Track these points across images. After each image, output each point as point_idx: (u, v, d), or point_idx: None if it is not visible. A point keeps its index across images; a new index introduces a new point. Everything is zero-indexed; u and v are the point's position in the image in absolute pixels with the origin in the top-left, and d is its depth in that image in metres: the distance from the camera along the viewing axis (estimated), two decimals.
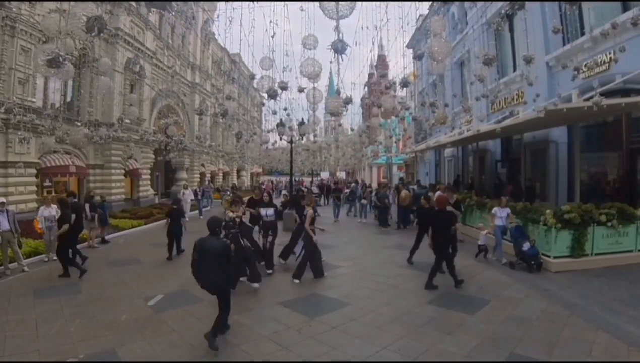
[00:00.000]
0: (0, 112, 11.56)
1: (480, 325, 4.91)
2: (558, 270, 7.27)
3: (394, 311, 5.47)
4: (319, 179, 39.41)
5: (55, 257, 7.99)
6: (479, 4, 13.96)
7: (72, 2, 7.06)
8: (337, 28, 8.19)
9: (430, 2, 20.59)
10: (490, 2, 12.82)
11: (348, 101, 12.88)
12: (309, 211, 7.34)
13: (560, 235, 7.46)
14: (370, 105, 28.36)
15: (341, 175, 55.45)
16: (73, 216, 7.78)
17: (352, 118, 42.64)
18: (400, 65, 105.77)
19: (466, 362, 4.02)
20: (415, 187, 15.73)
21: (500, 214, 8.13)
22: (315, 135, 24.49)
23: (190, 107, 25.72)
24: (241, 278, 6.94)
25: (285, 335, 4.71)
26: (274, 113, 19.57)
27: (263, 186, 27.45)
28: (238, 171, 42.46)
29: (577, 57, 9.30)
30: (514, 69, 14.33)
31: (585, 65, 9.91)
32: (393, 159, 32.77)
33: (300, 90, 15.32)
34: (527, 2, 8.65)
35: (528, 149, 12.67)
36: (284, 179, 43.11)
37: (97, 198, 11.32)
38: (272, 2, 12.96)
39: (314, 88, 12.98)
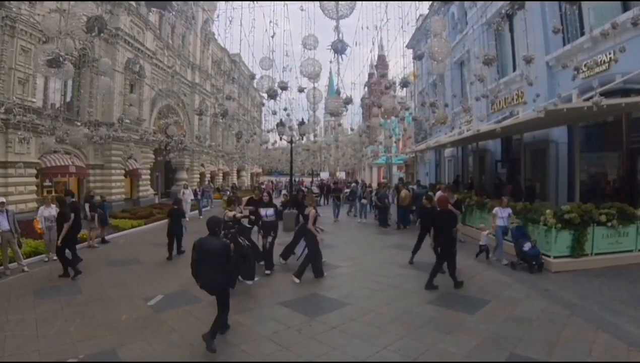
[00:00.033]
0: (0, 112, 11.56)
1: (480, 325, 4.91)
2: (558, 270, 7.27)
3: (394, 311, 5.47)
4: (319, 178, 39.41)
5: (55, 257, 7.99)
6: (479, 4, 13.96)
7: (72, 2, 7.06)
8: (337, 28, 8.19)
9: (430, 2, 20.59)
10: (490, 2, 12.82)
11: (348, 101, 12.88)
12: (312, 211, 7.35)
13: (560, 235, 7.46)
14: (370, 105, 28.37)
15: (341, 175, 55.43)
16: (72, 215, 7.78)
17: (352, 118, 42.67)
18: (400, 65, 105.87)
19: (466, 362, 4.02)
20: (414, 187, 15.74)
21: (501, 214, 8.12)
22: (315, 135, 24.50)
23: (190, 107, 25.72)
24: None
25: (285, 335, 4.71)
26: (274, 113, 19.59)
27: (263, 186, 27.50)
28: (238, 171, 42.47)
29: (577, 57, 9.30)
30: (514, 69, 14.33)
31: (585, 65, 9.91)
32: (393, 159, 32.78)
33: (300, 90, 15.33)
34: (527, 2, 8.65)
35: (528, 149, 12.67)
36: (284, 179, 43.09)
37: (97, 198, 11.32)
38: (272, 2, 12.97)
39: (314, 88, 13.00)
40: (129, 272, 7.84)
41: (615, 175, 10.83)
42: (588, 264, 7.42)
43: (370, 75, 43.02)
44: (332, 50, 8.44)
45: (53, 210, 8.42)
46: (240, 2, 21.36)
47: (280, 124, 16.25)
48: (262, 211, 7.82)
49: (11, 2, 12.20)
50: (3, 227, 7.44)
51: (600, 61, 9.77)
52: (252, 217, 7.54)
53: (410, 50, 24.40)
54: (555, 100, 9.46)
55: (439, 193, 10.14)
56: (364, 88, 51.23)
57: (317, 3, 7.54)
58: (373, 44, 24.24)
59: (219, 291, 4.43)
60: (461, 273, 6.81)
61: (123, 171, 18.77)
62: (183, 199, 12.67)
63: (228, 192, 19.97)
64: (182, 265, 7.83)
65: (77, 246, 8.34)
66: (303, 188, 19.55)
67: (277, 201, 13.75)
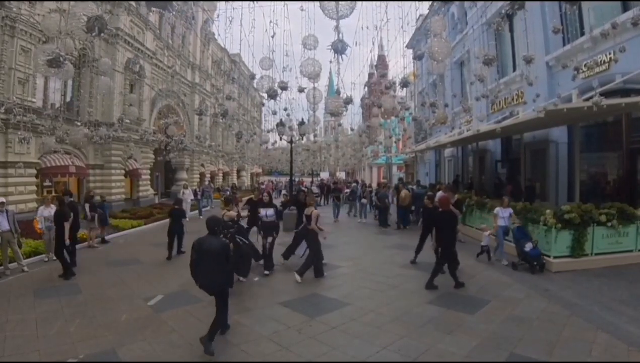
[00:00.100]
0: (0, 112, 11.56)
1: (480, 325, 4.91)
2: (558, 270, 7.27)
3: (394, 311, 5.47)
4: (319, 178, 39.40)
5: (55, 257, 7.98)
6: (479, 4, 13.96)
7: (72, 2, 7.05)
8: (337, 28, 8.19)
9: (430, 2, 20.59)
10: (490, 2, 12.82)
11: (348, 101, 12.87)
12: (314, 210, 7.35)
13: (560, 235, 7.46)
14: (370, 105, 28.35)
15: (341, 175, 55.42)
16: (71, 215, 7.79)
17: (352, 118, 42.64)
18: (400, 65, 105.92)
19: (466, 362, 4.02)
20: (414, 187, 15.74)
21: (503, 214, 8.11)
22: (315, 135, 24.48)
23: (190, 107, 25.71)
24: (240, 278, 6.96)
25: (285, 335, 4.71)
26: (274, 113, 19.57)
27: (263, 186, 27.51)
28: (238, 171, 42.47)
29: (577, 57, 9.29)
30: (514, 69, 14.33)
31: (585, 65, 9.91)
32: (393, 159, 32.77)
33: (300, 90, 15.32)
34: (527, 2, 8.65)
35: (528, 149, 12.67)
36: (284, 179, 43.08)
37: (97, 198, 11.32)
38: (272, 2, 12.97)
39: (314, 88, 12.98)
40: (129, 272, 7.84)
41: (615, 175, 10.82)
42: (588, 264, 7.42)
43: (370, 75, 42.98)
44: (332, 50, 8.44)
45: (53, 210, 8.42)
46: (240, 2, 21.40)
47: (280, 124, 16.23)
48: (262, 211, 7.82)
49: (11, 2, 12.20)
50: (3, 227, 7.44)
51: (600, 61, 9.77)
52: (242, 215, 7.55)
53: (410, 50, 24.41)
54: (555, 100, 9.46)
55: (439, 193, 10.13)
56: (364, 88, 51.22)
57: (317, 3, 7.54)
58: (373, 44, 24.31)
59: (218, 291, 4.41)
60: (461, 273, 6.81)
61: (123, 171, 18.76)
62: (183, 199, 12.68)
63: (228, 192, 19.99)
64: (182, 265, 7.82)
65: (77, 246, 8.36)
66: (303, 188, 19.54)
67: (277, 201, 13.75)
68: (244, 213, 7.69)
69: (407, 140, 29.45)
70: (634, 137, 9.90)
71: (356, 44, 18.30)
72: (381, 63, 35.24)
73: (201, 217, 16.17)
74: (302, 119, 17.06)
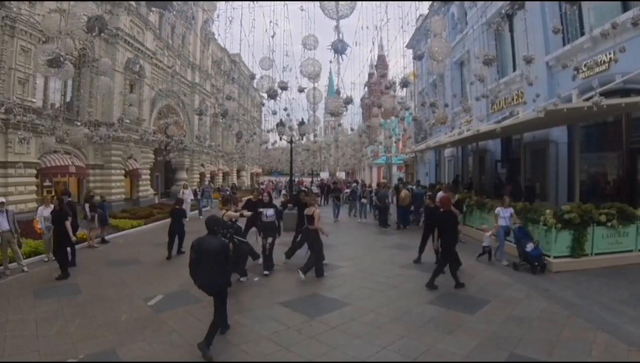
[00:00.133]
0: (0, 112, 11.56)
1: (480, 325, 4.91)
2: (558, 270, 7.27)
3: (394, 311, 5.47)
4: (319, 178, 39.40)
5: (54, 257, 7.98)
6: (479, 4, 13.96)
7: (72, 2, 7.06)
8: (337, 28, 8.19)
9: (430, 2, 20.59)
10: (490, 2, 12.82)
11: (348, 101, 12.87)
12: (316, 210, 7.35)
13: (560, 235, 7.46)
14: (370, 105, 28.33)
15: (341, 175, 55.42)
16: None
17: (352, 118, 42.62)
18: (400, 65, 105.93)
19: (466, 362, 4.02)
20: (413, 187, 15.74)
21: (503, 214, 8.10)
22: (315, 135, 24.48)
23: (190, 107, 25.71)
24: (241, 278, 6.97)
25: (285, 335, 4.71)
26: (274, 113, 19.56)
27: (263, 186, 27.50)
28: (238, 171, 42.46)
29: (577, 57, 9.29)
30: (514, 69, 14.33)
31: (585, 65, 9.91)
32: (393, 159, 32.78)
33: (300, 90, 15.32)
34: (527, 2, 8.65)
35: (528, 149, 12.67)
36: (284, 179, 43.09)
37: (97, 198, 11.31)
38: (272, 2, 12.97)
39: (314, 88, 12.98)
40: (129, 272, 7.84)
41: (615, 175, 10.83)
42: (588, 264, 7.42)
43: (370, 75, 42.99)
44: (332, 50, 8.43)
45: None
46: (240, 2, 21.40)
47: (280, 124, 16.24)
48: (262, 211, 7.80)
49: (11, 2, 12.20)
50: (3, 227, 7.44)
51: (600, 61, 9.77)
52: (246, 214, 7.55)
53: (410, 50, 24.41)
54: (555, 100, 9.46)
55: (440, 193, 10.13)
56: (364, 88, 51.23)
57: (317, 3, 7.54)
58: (373, 44, 24.30)
59: (217, 291, 4.37)
60: (461, 273, 6.81)
61: (123, 171, 18.76)
62: (183, 199, 12.67)
63: (228, 192, 20.01)
64: (182, 265, 7.79)
65: (77, 246, 8.36)
66: (303, 188, 19.55)
67: (277, 201, 13.75)
68: (246, 213, 7.68)
69: (407, 140, 29.45)
70: (634, 137, 9.90)
71: (356, 44, 18.30)
72: (381, 63, 35.24)
73: (201, 217, 16.16)
74: (302, 119, 17.08)
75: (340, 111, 11.00)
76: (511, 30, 14.47)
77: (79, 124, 13.45)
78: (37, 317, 5.26)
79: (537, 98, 10.75)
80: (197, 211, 17.61)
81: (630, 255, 7.72)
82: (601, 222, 7.56)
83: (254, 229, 8.46)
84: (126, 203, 18.64)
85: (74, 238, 7.57)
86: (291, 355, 4.21)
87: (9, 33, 12.48)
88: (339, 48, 8.36)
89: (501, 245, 8.17)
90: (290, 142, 17.76)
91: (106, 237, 11.08)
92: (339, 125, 31.24)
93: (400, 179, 27.16)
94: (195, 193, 18.59)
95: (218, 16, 25.80)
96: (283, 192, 24.19)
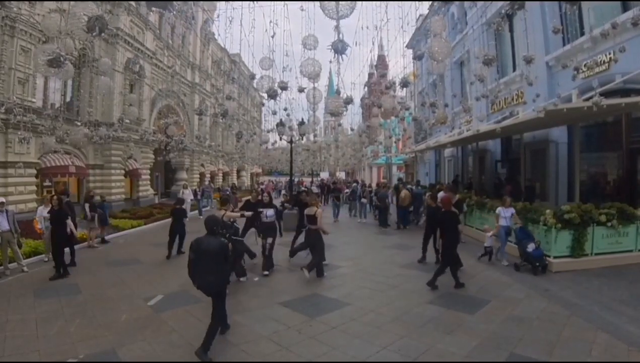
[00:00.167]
0: (0, 112, 11.56)
1: (480, 325, 4.91)
2: (558, 270, 7.27)
3: (394, 311, 5.47)
4: (319, 178, 39.39)
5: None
6: (479, 4, 13.96)
7: (72, 2, 7.06)
8: (337, 28, 8.19)
9: (430, 2, 20.59)
10: (490, 2, 12.82)
11: (348, 101, 12.87)
12: (318, 210, 7.35)
13: (560, 235, 7.46)
14: (370, 105, 28.34)
15: (341, 175, 55.42)
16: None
17: (352, 118, 42.63)
18: (400, 65, 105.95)
19: (466, 362, 4.02)
20: (413, 187, 15.73)
21: (504, 214, 8.07)
22: (315, 135, 24.48)
23: (190, 107, 25.70)
24: (241, 278, 6.97)
25: (285, 335, 4.71)
26: (274, 113, 19.56)
27: (263, 186, 27.51)
28: (238, 171, 42.45)
29: (577, 57, 9.30)
30: (514, 69, 14.33)
31: (585, 65, 9.91)
32: (393, 159, 32.77)
33: (300, 90, 15.32)
34: (527, 2, 8.65)
35: (528, 149, 12.67)
36: (284, 179, 43.09)
37: (97, 198, 11.33)
38: (272, 2, 12.97)
39: (314, 88, 12.99)
40: (129, 272, 7.84)
41: (615, 175, 10.83)
42: (588, 264, 7.42)
43: (370, 75, 42.97)
44: (332, 50, 8.44)
45: None
46: (240, 2, 21.40)
47: (280, 124, 16.24)
48: (262, 212, 7.80)
49: (11, 2, 12.20)
50: (3, 227, 7.44)
51: (600, 61, 9.77)
52: (247, 214, 7.55)
53: (410, 50, 24.40)
54: (555, 100, 9.46)
55: (441, 193, 10.13)
56: (364, 88, 51.22)
57: (317, 3, 7.54)
58: (373, 44, 24.33)
59: (215, 292, 4.33)
60: (462, 273, 6.81)
61: (123, 171, 18.75)
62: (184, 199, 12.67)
63: (227, 192, 20.02)
64: (182, 265, 7.75)
65: (77, 246, 8.36)
66: (303, 188, 19.54)
67: (277, 201, 13.74)
68: (247, 214, 7.68)
69: (407, 140, 29.45)
70: (634, 137, 9.90)
71: (356, 44, 18.26)
72: (381, 63, 35.22)
73: (201, 217, 16.16)
74: (302, 119, 17.08)
75: (340, 111, 11.00)
76: (511, 30, 14.46)
77: (79, 124, 13.45)
78: (37, 317, 5.26)
79: (537, 98, 10.75)
80: (197, 211, 17.61)
81: (630, 255, 7.72)
82: (601, 222, 7.55)
83: (253, 229, 8.45)
84: (126, 204, 18.64)
85: (77, 234, 7.56)
86: (291, 355, 4.20)
87: (9, 33, 12.47)
88: (339, 48, 8.36)
89: (502, 246, 8.16)
90: (290, 142, 17.76)
91: (106, 237, 11.09)
92: (339, 125, 31.24)
93: (400, 179, 27.16)
94: (195, 193, 18.59)
95: (218, 16, 25.86)
96: (283, 192, 24.19)
